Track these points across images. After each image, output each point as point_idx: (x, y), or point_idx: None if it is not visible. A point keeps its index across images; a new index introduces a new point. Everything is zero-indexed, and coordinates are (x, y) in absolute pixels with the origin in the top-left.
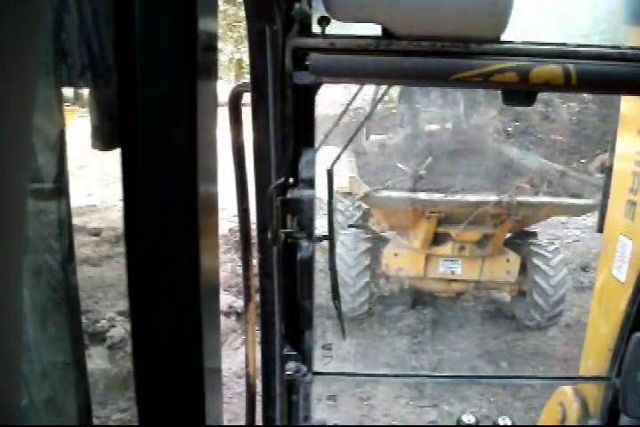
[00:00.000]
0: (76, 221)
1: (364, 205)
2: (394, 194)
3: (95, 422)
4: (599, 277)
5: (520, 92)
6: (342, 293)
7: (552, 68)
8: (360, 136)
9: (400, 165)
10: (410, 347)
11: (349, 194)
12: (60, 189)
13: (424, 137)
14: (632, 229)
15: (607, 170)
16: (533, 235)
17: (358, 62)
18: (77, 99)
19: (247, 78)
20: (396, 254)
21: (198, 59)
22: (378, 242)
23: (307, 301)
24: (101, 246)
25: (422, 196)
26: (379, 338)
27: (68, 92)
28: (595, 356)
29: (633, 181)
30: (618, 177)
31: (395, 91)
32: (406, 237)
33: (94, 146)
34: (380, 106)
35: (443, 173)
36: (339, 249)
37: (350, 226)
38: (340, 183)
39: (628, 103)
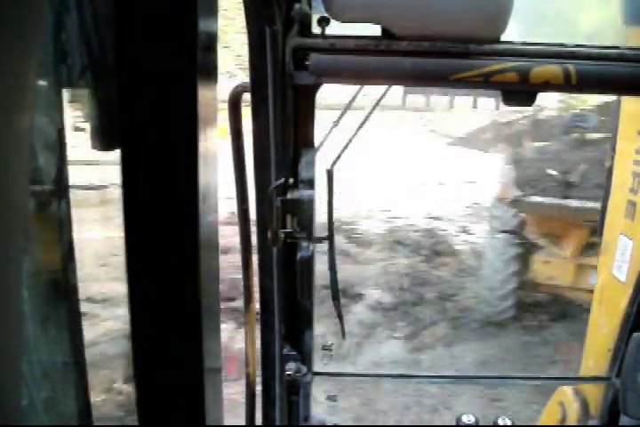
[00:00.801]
0: None
1: (522, 213)
2: (545, 200)
3: None
4: (599, 277)
5: (520, 92)
6: (488, 296)
7: (552, 68)
8: (517, 143)
9: (552, 172)
10: (551, 356)
11: (505, 200)
12: (60, 189)
13: (584, 145)
14: (632, 229)
15: (608, 170)
16: None
17: (358, 62)
18: None
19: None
20: (546, 262)
21: (198, 59)
22: (529, 249)
23: (307, 301)
24: None
25: (574, 203)
26: (521, 344)
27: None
28: (595, 356)
29: (633, 181)
30: (618, 177)
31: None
32: (558, 246)
33: (94, 146)
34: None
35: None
36: (489, 253)
37: (503, 231)
38: (497, 189)
39: (627, 103)
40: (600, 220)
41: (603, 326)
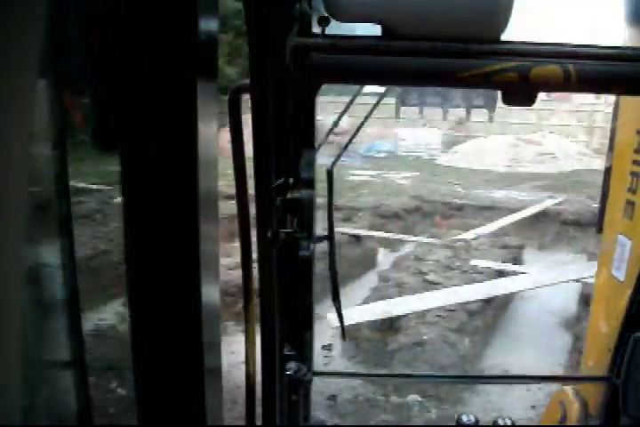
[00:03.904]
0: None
1: None
2: None
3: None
4: (599, 276)
5: (520, 92)
6: None
7: (552, 68)
8: None
9: None
10: None
11: None
12: (61, 189)
13: None
14: (631, 229)
15: (606, 170)
16: None
17: (358, 62)
18: None
19: None
20: None
21: (198, 59)
22: None
23: (307, 301)
24: None
25: None
26: None
27: None
28: (595, 356)
29: (631, 181)
30: (616, 177)
31: None
32: None
33: (94, 146)
34: None
35: None
36: None
37: None
38: None
39: (626, 103)
40: (599, 219)
41: (602, 326)
